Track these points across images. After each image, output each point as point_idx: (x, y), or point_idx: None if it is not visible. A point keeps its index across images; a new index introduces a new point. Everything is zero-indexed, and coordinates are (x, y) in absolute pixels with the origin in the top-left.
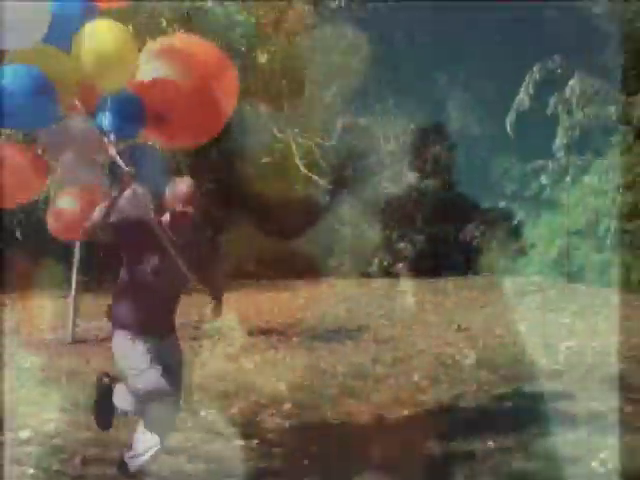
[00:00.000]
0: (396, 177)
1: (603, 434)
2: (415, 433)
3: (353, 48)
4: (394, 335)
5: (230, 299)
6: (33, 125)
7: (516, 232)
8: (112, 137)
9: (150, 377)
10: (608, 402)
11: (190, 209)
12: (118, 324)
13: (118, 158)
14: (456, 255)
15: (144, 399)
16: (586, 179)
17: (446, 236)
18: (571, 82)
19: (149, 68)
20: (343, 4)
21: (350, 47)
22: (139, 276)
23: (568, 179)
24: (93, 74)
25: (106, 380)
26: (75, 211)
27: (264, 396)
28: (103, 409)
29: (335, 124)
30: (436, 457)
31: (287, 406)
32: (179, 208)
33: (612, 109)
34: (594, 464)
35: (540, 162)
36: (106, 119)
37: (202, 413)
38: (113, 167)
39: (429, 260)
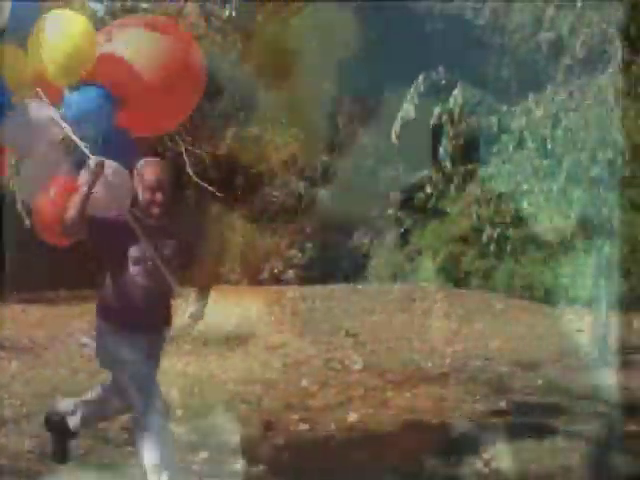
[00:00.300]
0: (286, 186)
1: (485, 435)
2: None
3: (242, 58)
4: (284, 341)
5: None
6: None
7: (404, 239)
8: (78, 128)
9: (141, 374)
10: (492, 404)
11: (159, 196)
12: (107, 317)
13: (83, 146)
14: (345, 262)
15: (134, 402)
16: (469, 188)
17: (335, 243)
18: (454, 92)
19: (111, 48)
20: (234, 14)
21: (239, 57)
22: (122, 270)
23: (452, 188)
24: (49, 67)
25: (56, 417)
26: (57, 210)
27: None
28: (59, 444)
29: (225, 133)
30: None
31: (178, 412)
32: (147, 195)
33: (494, 119)
34: (478, 465)
35: (425, 171)
36: (71, 112)
37: None
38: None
39: (319, 267)
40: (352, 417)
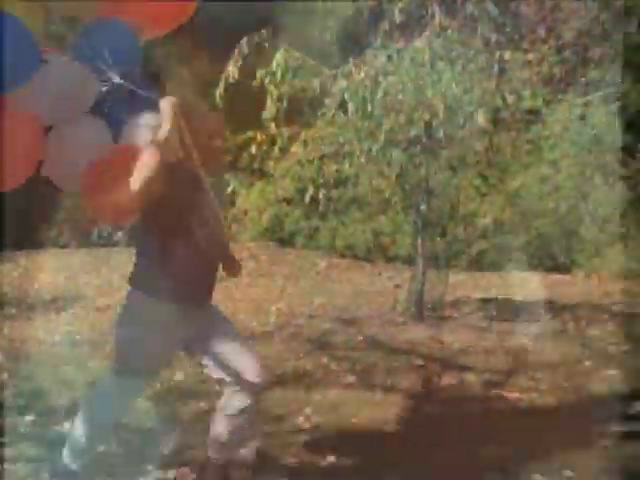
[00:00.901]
0: None
1: (309, 391)
2: None
3: None
4: (110, 304)
5: None
6: (19, 83)
7: (231, 201)
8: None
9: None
10: (314, 360)
11: (220, 142)
12: (151, 286)
13: (137, 89)
14: None
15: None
16: (294, 149)
17: None
18: (277, 55)
19: None
20: None
21: None
22: (183, 231)
23: (277, 149)
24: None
25: None
26: (122, 182)
27: None
28: None
29: None
30: None
31: (4, 376)
32: (206, 142)
33: (316, 82)
34: (300, 420)
35: (250, 133)
36: (100, 51)
37: None
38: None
39: None
40: (178, 376)
